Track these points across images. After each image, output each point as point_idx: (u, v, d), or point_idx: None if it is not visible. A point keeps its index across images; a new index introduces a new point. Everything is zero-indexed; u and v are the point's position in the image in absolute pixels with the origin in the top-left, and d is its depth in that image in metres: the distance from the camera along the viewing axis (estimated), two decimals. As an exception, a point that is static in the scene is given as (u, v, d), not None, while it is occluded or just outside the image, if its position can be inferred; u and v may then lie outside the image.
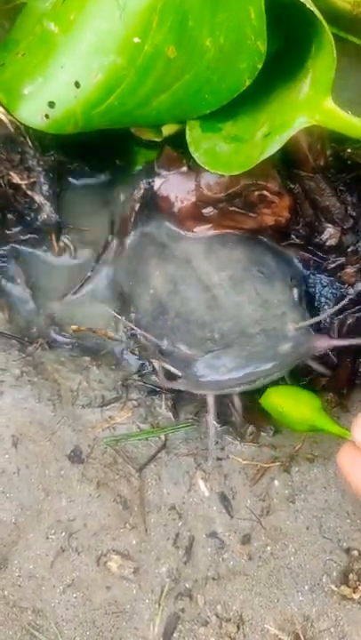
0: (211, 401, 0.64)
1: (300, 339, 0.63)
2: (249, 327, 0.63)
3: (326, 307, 0.84)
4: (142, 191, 0.75)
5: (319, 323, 0.74)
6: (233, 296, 0.66)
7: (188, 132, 0.71)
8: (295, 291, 0.68)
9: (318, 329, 0.75)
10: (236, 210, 0.74)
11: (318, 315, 0.70)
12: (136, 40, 0.62)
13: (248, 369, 0.61)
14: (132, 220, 0.77)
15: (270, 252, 0.76)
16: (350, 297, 0.72)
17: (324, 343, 0.64)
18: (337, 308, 0.67)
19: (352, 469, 0.56)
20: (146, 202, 0.76)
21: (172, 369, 0.68)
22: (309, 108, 0.61)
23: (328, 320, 0.83)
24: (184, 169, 0.73)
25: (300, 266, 0.82)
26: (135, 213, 0.77)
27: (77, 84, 0.64)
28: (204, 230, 0.75)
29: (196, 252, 0.72)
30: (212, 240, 0.74)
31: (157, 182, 0.75)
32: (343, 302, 0.67)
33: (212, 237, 0.74)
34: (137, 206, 0.76)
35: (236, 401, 0.66)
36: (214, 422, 0.74)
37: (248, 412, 0.76)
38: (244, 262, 0.71)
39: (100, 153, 0.80)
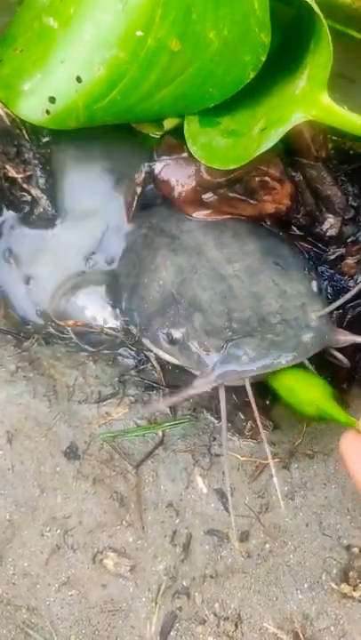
0: (223, 392, 0.62)
1: (322, 329, 0.62)
2: (269, 316, 0.63)
3: (327, 300, 0.83)
4: (143, 175, 0.74)
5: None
6: (250, 286, 0.66)
7: (185, 127, 0.70)
8: (314, 283, 0.68)
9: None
10: (237, 196, 0.73)
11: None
12: (139, 33, 0.61)
13: (270, 358, 0.60)
14: (135, 204, 0.76)
15: (284, 244, 0.75)
16: (359, 288, 0.70)
17: (345, 337, 0.63)
18: (350, 294, 0.66)
19: (354, 457, 0.55)
20: (150, 191, 0.76)
21: (178, 360, 0.67)
22: (306, 103, 0.61)
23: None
24: (185, 154, 0.72)
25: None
26: (137, 197, 0.76)
27: (79, 79, 0.64)
28: (203, 215, 0.74)
29: (208, 242, 0.72)
30: (224, 229, 0.73)
31: (158, 166, 0.74)
32: (354, 291, 0.66)
33: (224, 226, 0.73)
34: (139, 190, 0.76)
35: (248, 388, 0.63)
36: (212, 418, 0.73)
37: (246, 407, 0.75)
38: (258, 253, 0.70)
39: (103, 138, 0.79)
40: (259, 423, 0.60)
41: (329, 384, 0.62)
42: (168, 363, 0.72)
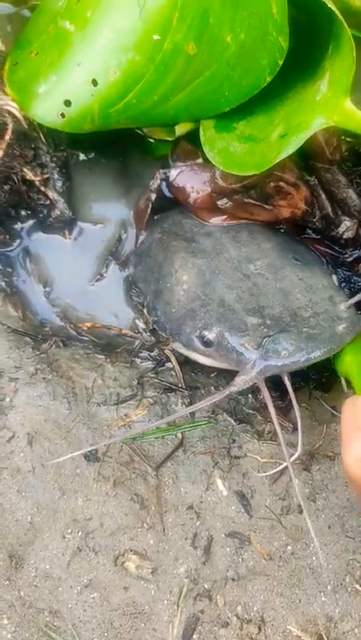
0: (264, 387, 0.62)
1: (354, 318, 0.64)
2: (300, 311, 0.64)
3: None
4: (158, 182, 0.75)
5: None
6: (275, 282, 0.68)
7: (201, 132, 0.70)
8: (334, 277, 0.70)
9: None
10: (252, 201, 0.73)
11: None
12: (156, 37, 0.61)
13: (309, 350, 0.61)
14: (149, 211, 0.76)
15: (298, 241, 0.76)
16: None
17: None
18: None
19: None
20: (164, 196, 0.76)
21: (212, 360, 0.68)
22: (327, 108, 0.61)
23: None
24: (200, 160, 0.72)
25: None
26: (151, 204, 0.76)
27: (95, 82, 0.64)
28: (219, 221, 0.74)
29: (225, 243, 0.72)
30: (238, 230, 0.74)
31: (173, 173, 0.74)
32: None
33: (238, 227, 0.74)
34: (153, 197, 0.76)
35: (287, 381, 0.64)
36: (231, 420, 0.73)
37: (266, 409, 0.75)
38: (277, 250, 0.72)
39: (116, 146, 0.79)
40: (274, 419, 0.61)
41: None
42: (204, 365, 0.72)
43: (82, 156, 0.81)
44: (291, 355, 0.61)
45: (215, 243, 0.73)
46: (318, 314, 0.64)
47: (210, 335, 0.66)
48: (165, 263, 0.74)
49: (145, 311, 0.77)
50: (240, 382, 0.62)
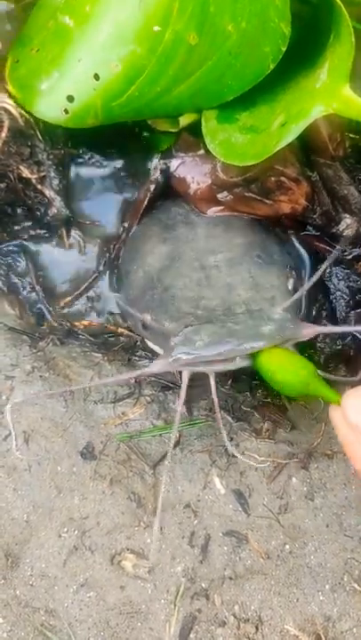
0: (185, 378, 0.61)
1: (285, 323, 0.62)
2: (235, 306, 0.63)
3: (342, 300, 0.83)
4: (158, 172, 0.74)
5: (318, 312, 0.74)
6: (226, 277, 0.67)
7: (203, 124, 0.70)
8: (291, 281, 0.68)
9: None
10: (252, 195, 0.72)
11: (324, 306, 0.68)
12: (156, 28, 0.60)
13: (225, 345, 0.59)
14: (146, 201, 0.76)
15: (276, 240, 0.75)
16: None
17: (310, 330, 0.62)
18: (313, 281, 0.66)
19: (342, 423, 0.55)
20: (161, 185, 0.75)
21: (152, 344, 0.68)
22: (327, 96, 0.60)
23: (343, 313, 0.82)
24: (201, 152, 0.72)
25: (306, 260, 0.81)
26: (150, 195, 0.75)
27: (96, 77, 0.63)
28: (217, 213, 0.74)
29: (200, 233, 0.72)
30: (218, 223, 0.73)
31: (174, 164, 0.74)
32: (314, 279, 0.66)
33: (219, 220, 0.74)
34: (152, 188, 0.75)
35: (212, 381, 0.63)
36: (229, 418, 0.73)
37: (264, 407, 0.74)
38: (244, 246, 0.71)
39: (114, 141, 0.78)
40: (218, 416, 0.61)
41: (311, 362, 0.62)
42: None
43: (79, 154, 0.81)
44: (205, 346, 0.59)
45: (190, 232, 0.73)
46: (250, 311, 0.62)
47: (146, 318, 0.66)
48: (140, 247, 0.74)
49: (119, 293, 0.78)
50: (156, 365, 0.61)
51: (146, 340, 0.72)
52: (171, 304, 0.65)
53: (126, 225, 0.80)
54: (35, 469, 0.66)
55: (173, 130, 0.73)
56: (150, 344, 0.71)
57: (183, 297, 0.65)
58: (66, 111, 0.65)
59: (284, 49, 0.62)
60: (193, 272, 0.67)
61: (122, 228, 0.80)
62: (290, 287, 0.67)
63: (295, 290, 0.68)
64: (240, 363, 0.61)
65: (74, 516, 0.65)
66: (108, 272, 0.80)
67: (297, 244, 0.80)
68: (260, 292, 0.65)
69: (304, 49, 0.66)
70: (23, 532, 0.64)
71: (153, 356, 0.76)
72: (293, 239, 0.80)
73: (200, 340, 0.60)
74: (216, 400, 0.62)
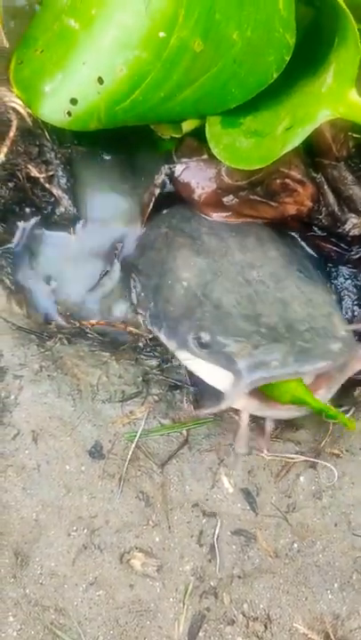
0: (245, 420, 0.61)
1: (350, 341, 0.61)
2: (297, 323, 0.62)
3: (348, 299, 0.83)
4: (163, 176, 0.74)
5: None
6: (275, 292, 0.65)
7: (207, 129, 0.70)
8: (335, 297, 0.68)
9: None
10: (258, 198, 0.73)
11: None
12: (162, 34, 0.61)
13: (299, 365, 0.58)
14: (152, 206, 0.76)
15: (306, 256, 0.75)
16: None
17: None
18: None
19: None
20: (169, 191, 0.75)
21: (203, 364, 0.65)
22: (333, 100, 0.60)
23: (350, 312, 0.82)
24: (205, 156, 0.72)
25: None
26: (155, 199, 0.75)
27: (100, 80, 0.63)
28: (222, 217, 0.74)
29: (231, 245, 0.71)
30: (247, 235, 0.73)
31: (179, 168, 0.74)
32: None
33: (246, 232, 0.73)
34: (157, 192, 0.75)
35: (267, 427, 0.65)
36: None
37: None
38: (283, 260, 0.70)
39: (121, 142, 0.79)
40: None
41: None
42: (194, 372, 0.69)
43: (86, 153, 0.81)
44: (280, 367, 0.58)
45: (220, 244, 0.72)
46: (315, 329, 0.61)
47: (204, 337, 0.63)
48: (168, 259, 0.73)
49: (141, 305, 0.76)
50: (232, 393, 0.59)
51: (187, 362, 0.68)
52: (230, 322, 0.62)
53: (133, 225, 0.80)
54: (43, 468, 0.66)
55: (176, 135, 0.73)
56: (195, 364, 0.66)
57: (240, 314, 0.63)
58: (69, 114, 0.66)
59: (287, 59, 0.63)
60: (240, 287, 0.65)
61: (129, 229, 0.80)
62: (336, 301, 0.67)
63: (339, 303, 0.68)
64: (300, 412, 0.62)
65: (83, 515, 0.65)
66: (118, 274, 0.80)
67: (307, 247, 0.80)
68: (315, 308, 0.64)
69: (309, 52, 0.66)
70: (32, 531, 0.64)
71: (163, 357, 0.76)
72: (303, 243, 0.80)
73: (275, 361, 0.58)
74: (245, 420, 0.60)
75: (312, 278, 0.69)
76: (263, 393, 0.62)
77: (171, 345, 0.71)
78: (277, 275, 0.68)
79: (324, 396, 0.63)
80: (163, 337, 0.72)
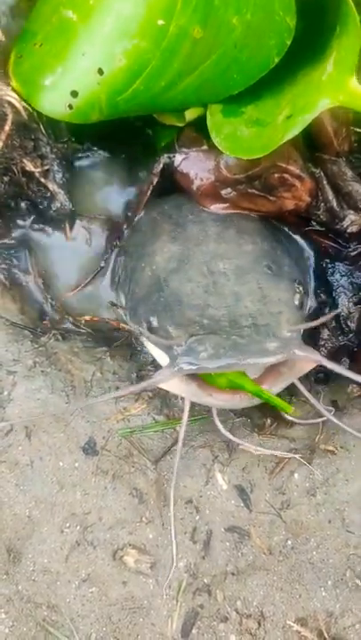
0: (187, 407, 0.63)
1: (290, 342, 0.60)
2: (241, 318, 0.62)
3: (344, 296, 0.82)
4: (162, 166, 0.74)
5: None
6: (234, 285, 0.65)
7: (208, 118, 0.69)
8: (297, 296, 0.66)
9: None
10: (256, 192, 0.72)
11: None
12: (160, 22, 0.60)
13: (228, 359, 0.58)
14: (149, 194, 0.75)
15: (285, 250, 0.74)
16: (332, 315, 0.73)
17: (310, 355, 0.61)
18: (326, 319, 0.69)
19: None
20: (166, 179, 0.75)
21: (153, 348, 0.67)
22: (333, 88, 0.60)
23: (346, 309, 0.82)
24: (205, 147, 0.72)
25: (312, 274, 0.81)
26: (153, 188, 0.75)
27: (100, 71, 0.62)
28: (220, 209, 0.73)
29: (210, 235, 0.71)
30: (230, 225, 0.72)
31: (178, 158, 0.73)
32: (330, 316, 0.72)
33: (231, 222, 0.73)
34: (155, 180, 0.75)
35: (215, 414, 0.66)
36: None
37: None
38: (255, 254, 0.69)
39: (117, 137, 0.78)
40: None
41: None
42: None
43: (82, 148, 0.80)
44: (209, 358, 0.58)
45: (200, 232, 0.71)
46: (257, 325, 0.61)
47: (154, 321, 0.65)
48: (148, 243, 0.73)
49: (121, 286, 0.76)
50: (161, 376, 0.60)
51: (145, 343, 0.71)
52: (177, 310, 0.64)
53: (129, 217, 0.79)
54: (37, 465, 0.66)
55: (180, 124, 0.72)
56: (151, 348, 0.69)
57: (190, 303, 0.64)
58: (70, 107, 0.65)
59: (289, 42, 0.62)
60: (201, 277, 0.66)
61: (125, 222, 0.79)
62: (296, 302, 0.66)
63: (301, 305, 0.67)
64: (242, 403, 0.63)
65: (76, 512, 0.65)
66: (110, 267, 0.80)
67: (300, 241, 0.80)
68: (267, 305, 0.64)
69: (310, 40, 0.65)
70: (25, 528, 0.64)
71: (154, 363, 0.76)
72: (297, 237, 0.80)
73: (204, 351, 0.59)
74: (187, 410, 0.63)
75: (279, 275, 0.68)
76: (203, 380, 0.64)
77: (131, 326, 0.72)
78: (242, 268, 0.67)
79: (267, 389, 0.64)
80: (127, 318, 0.74)
